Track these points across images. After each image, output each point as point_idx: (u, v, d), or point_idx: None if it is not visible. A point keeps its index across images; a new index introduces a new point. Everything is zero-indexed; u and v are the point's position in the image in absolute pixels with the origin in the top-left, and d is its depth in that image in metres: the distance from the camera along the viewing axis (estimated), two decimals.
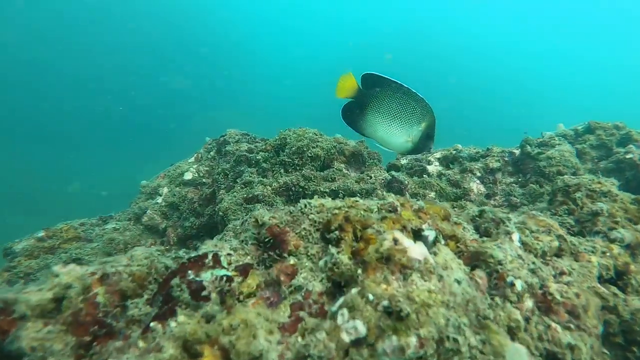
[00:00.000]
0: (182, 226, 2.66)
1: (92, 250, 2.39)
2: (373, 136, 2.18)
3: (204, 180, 2.85)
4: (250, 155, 2.40)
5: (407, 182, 2.26)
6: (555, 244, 1.16)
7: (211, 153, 2.96)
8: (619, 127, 2.61)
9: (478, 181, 2.42)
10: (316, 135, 2.51)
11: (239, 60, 29.88)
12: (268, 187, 2.16)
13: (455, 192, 2.36)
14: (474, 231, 1.20)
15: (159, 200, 2.82)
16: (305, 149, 2.30)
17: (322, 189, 2.22)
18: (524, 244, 1.13)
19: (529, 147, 2.44)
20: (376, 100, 2.09)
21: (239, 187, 2.21)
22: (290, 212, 1.03)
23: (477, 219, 1.27)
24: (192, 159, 3.07)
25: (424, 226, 1.04)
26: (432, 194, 2.28)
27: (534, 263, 1.04)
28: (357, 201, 1.06)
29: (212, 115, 19.13)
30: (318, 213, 1.01)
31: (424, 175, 2.42)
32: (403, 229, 0.96)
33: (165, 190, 2.86)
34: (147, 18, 25.37)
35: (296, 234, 0.98)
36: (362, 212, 1.00)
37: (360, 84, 2.11)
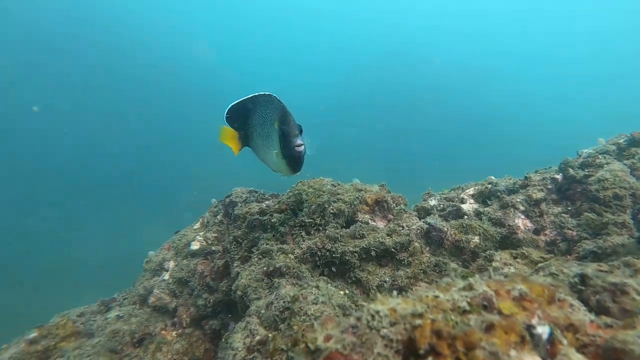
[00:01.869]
0: (195, 305, 2.34)
1: (93, 349, 2.07)
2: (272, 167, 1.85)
3: (213, 248, 2.56)
4: (264, 218, 2.13)
5: (446, 229, 1.97)
6: None
7: (218, 217, 2.68)
8: None
9: (523, 216, 2.13)
10: (334, 186, 2.26)
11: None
12: (290, 255, 1.87)
13: (500, 232, 2.07)
14: (584, 308, 0.91)
15: (166, 276, 2.52)
16: (326, 206, 2.03)
17: (351, 249, 1.93)
18: None
19: (572, 170, 2.18)
20: (248, 132, 1.81)
21: (256, 258, 1.92)
22: (353, 329, 0.74)
23: (578, 286, 0.98)
24: (198, 225, 2.79)
25: (533, 321, 0.75)
26: (476, 239, 1.99)
27: None
28: (437, 297, 0.78)
29: (199, 168, 18.64)
30: (392, 326, 0.72)
31: (464, 217, 2.14)
32: (522, 340, 0.67)
33: (171, 264, 2.56)
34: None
35: None
36: (452, 319, 0.71)
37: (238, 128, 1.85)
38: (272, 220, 2.06)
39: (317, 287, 1.48)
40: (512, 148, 20.22)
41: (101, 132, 22.52)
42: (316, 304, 1.39)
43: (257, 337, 1.47)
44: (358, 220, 2.16)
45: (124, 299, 2.55)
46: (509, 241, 2.08)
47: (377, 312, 0.74)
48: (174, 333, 2.34)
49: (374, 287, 1.89)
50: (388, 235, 1.98)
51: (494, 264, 1.64)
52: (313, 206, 2.02)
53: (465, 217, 2.16)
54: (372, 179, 2.62)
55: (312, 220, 2.00)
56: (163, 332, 2.34)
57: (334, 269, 1.97)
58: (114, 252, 11.83)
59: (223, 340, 1.61)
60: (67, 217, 15.64)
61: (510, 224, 2.10)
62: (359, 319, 0.75)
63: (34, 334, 2.31)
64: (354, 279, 1.90)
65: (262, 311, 1.57)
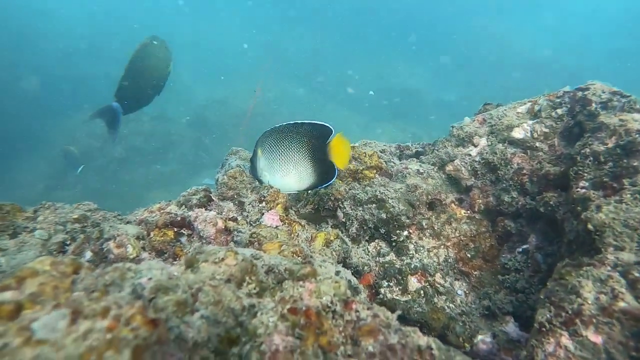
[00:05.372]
0: (497, 197, 2.16)
1: (395, 193, 2.19)
2: None
3: (537, 144, 2.17)
4: None
5: None
6: None
7: (558, 111, 2.18)
8: None
9: None
10: None
11: None
12: None
13: None
14: None
15: (473, 152, 2.34)
16: None
17: None
18: None
19: None
20: None
21: (629, 196, 1.47)
22: None
23: None
24: (523, 109, 2.37)
25: None
26: None
27: None
28: None
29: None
30: None
31: None
32: None
33: (482, 141, 2.34)
34: None
35: None
36: None
37: None
38: None
39: None
40: None
41: None
42: None
43: (621, 304, 1.18)
44: None
45: (427, 156, 2.56)
46: None
47: None
48: (462, 211, 2.28)
49: None
50: None
51: None
52: None
53: None
54: None
55: None
56: (453, 205, 2.30)
57: None
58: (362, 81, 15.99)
59: (560, 271, 1.38)
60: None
61: None
62: None
63: None
64: None
65: (637, 274, 1.22)
